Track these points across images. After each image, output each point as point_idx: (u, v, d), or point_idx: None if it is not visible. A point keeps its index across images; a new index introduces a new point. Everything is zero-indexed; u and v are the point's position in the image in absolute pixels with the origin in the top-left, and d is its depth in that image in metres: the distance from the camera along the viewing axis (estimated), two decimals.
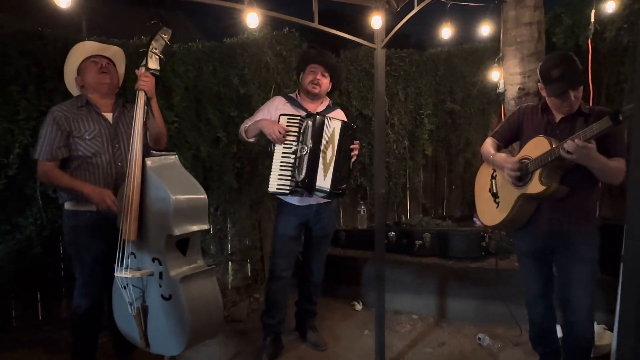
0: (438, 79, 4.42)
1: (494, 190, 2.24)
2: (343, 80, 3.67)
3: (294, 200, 2.58)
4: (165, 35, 2.08)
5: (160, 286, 1.98)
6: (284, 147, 2.43)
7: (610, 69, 3.68)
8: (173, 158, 2.11)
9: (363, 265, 3.54)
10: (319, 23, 2.35)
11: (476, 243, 3.29)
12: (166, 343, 2.01)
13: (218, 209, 3.57)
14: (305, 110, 2.58)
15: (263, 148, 3.49)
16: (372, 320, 2.68)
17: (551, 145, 1.93)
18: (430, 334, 3.04)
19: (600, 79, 3.66)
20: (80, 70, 2.26)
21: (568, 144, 1.81)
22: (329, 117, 2.47)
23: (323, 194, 2.44)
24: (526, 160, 2.04)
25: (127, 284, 2.02)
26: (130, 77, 2.24)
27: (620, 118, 1.70)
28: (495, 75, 3.80)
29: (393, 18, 2.52)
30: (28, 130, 2.72)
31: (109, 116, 2.26)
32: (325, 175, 2.40)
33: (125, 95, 2.65)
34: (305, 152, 2.40)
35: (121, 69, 2.39)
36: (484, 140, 2.36)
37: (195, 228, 1.98)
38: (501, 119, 3.80)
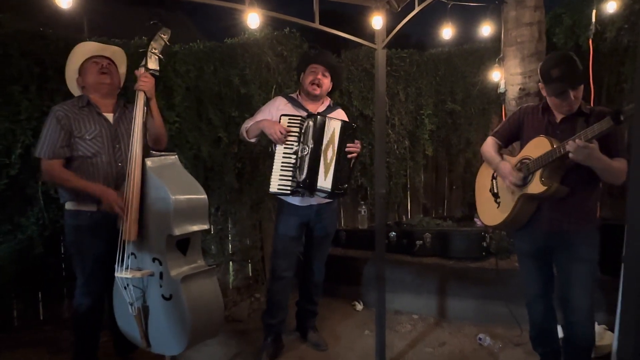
0: (439, 79, 4.42)
1: (495, 190, 2.24)
2: (344, 80, 3.68)
3: (294, 200, 2.58)
4: (164, 35, 2.09)
5: (160, 286, 1.98)
6: (285, 148, 2.43)
7: (610, 69, 3.68)
8: (173, 158, 2.11)
9: (363, 265, 3.54)
10: (320, 23, 2.35)
11: (477, 243, 3.29)
12: (167, 343, 2.02)
13: (219, 209, 3.57)
14: (306, 110, 2.58)
15: (264, 148, 3.49)
16: (373, 320, 2.68)
17: (552, 146, 1.93)
18: (430, 334, 3.04)
19: (601, 79, 3.66)
20: (81, 71, 2.26)
21: (569, 144, 1.81)
22: (330, 117, 2.47)
23: (324, 194, 2.44)
24: (527, 160, 2.04)
25: (128, 284, 2.02)
26: (131, 77, 2.24)
27: (622, 118, 1.70)
28: (495, 75, 3.80)
29: (394, 18, 2.52)
30: (30, 130, 2.72)
31: (109, 116, 2.26)
32: (326, 176, 2.40)
33: (126, 96, 2.65)
34: (306, 153, 2.40)
35: (122, 69, 2.40)
36: (485, 140, 2.36)
37: (195, 228, 1.99)
38: (502, 119, 3.80)
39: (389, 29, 2.49)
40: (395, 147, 4.30)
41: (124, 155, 2.21)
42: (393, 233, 3.58)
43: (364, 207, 4.16)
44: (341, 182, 2.43)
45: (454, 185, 4.86)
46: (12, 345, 2.79)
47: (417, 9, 2.36)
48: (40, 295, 3.07)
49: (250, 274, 3.85)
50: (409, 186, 4.60)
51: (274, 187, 2.41)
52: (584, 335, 2.06)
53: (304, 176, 2.39)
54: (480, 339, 2.87)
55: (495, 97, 4.17)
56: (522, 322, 2.64)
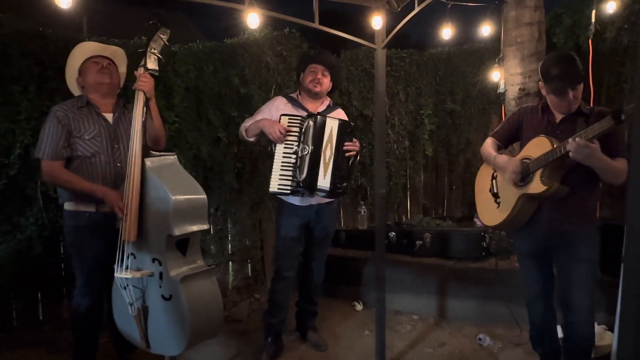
0: (438, 79, 4.42)
1: (495, 191, 2.24)
2: (343, 80, 3.67)
3: (294, 200, 2.58)
4: (163, 35, 2.09)
5: (160, 286, 1.98)
6: (285, 147, 2.43)
7: (610, 69, 3.68)
8: (172, 158, 2.11)
9: (363, 265, 3.54)
10: (320, 23, 2.35)
11: (476, 243, 3.29)
12: (166, 343, 2.02)
13: (218, 209, 3.57)
14: (306, 110, 2.58)
15: (264, 148, 3.49)
16: (373, 320, 2.68)
17: (552, 145, 1.92)
18: (430, 334, 3.04)
19: (601, 79, 3.66)
20: (81, 71, 2.26)
21: (570, 143, 1.81)
22: (329, 117, 2.47)
23: (324, 194, 2.44)
24: (527, 160, 2.04)
25: (127, 285, 2.02)
26: (131, 78, 2.24)
27: (623, 117, 1.70)
28: (495, 75, 3.80)
29: (393, 18, 2.52)
30: (29, 130, 2.72)
31: (109, 116, 2.26)
32: (325, 175, 2.40)
33: (125, 96, 2.65)
34: (306, 152, 2.40)
35: (122, 68, 2.40)
36: (484, 140, 2.36)
37: (195, 228, 1.99)
38: (501, 119, 3.80)
39: (388, 29, 2.49)
40: (395, 147, 4.30)
41: (123, 156, 2.21)
42: (393, 233, 3.58)
43: (363, 207, 4.15)
44: (340, 181, 2.43)
45: (453, 185, 4.86)
46: (12, 345, 2.79)
47: (417, 9, 2.36)
48: (39, 295, 3.07)
49: (250, 274, 3.84)
50: (408, 186, 4.60)
51: (274, 186, 2.41)
52: (583, 336, 2.06)
53: (304, 176, 2.39)
54: (480, 339, 2.87)
55: (495, 97, 4.17)
56: (521, 322, 2.64)
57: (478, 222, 3.58)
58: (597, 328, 2.52)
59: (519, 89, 3.60)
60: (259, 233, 3.83)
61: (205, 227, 2.03)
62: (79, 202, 2.17)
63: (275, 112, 2.56)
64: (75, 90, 2.32)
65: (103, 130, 2.22)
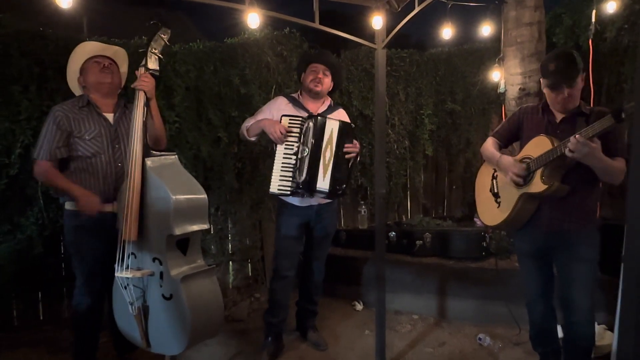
0: (438, 79, 4.42)
1: (495, 190, 2.24)
2: (344, 80, 3.68)
3: (294, 200, 2.58)
4: (164, 35, 2.09)
5: (160, 286, 1.98)
6: (285, 148, 2.43)
7: (610, 69, 3.68)
8: (173, 158, 2.11)
9: (363, 265, 3.54)
10: (320, 23, 2.35)
11: (477, 243, 3.29)
12: (167, 343, 2.02)
13: (219, 208, 3.57)
14: (307, 110, 2.58)
15: (264, 148, 3.49)
16: (373, 320, 2.68)
17: (553, 145, 1.93)
18: (430, 333, 3.04)
19: (601, 79, 3.66)
20: (82, 70, 2.26)
21: (571, 142, 1.81)
22: (329, 118, 2.47)
23: (323, 195, 2.44)
24: (527, 160, 2.04)
25: (128, 284, 2.02)
26: (132, 77, 2.24)
27: (623, 116, 1.70)
28: (495, 75, 3.80)
29: (394, 18, 2.52)
30: (29, 130, 2.72)
31: (110, 116, 2.26)
32: (324, 176, 2.40)
33: (126, 96, 2.65)
34: (306, 154, 2.40)
35: (123, 68, 2.40)
36: (485, 140, 2.36)
37: (195, 228, 1.99)
38: (502, 119, 3.80)
39: (388, 29, 2.49)
40: (395, 147, 4.30)
41: (123, 155, 2.21)
42: (393, 233, 3.58)
43: (363, 207, 4.16)
44: (339, 182, 2.43)
45: (454, 185, 4.86)
46: (12, 344, 2.79)
47: (417, 9, 2.36)
48: (40, 295, 3.07)
49: (250, 274, 3.85)
50: (408, 186, 4.60)
51: (274, 187, 2.41)
52: (584, 335, 2.06)
53: (303, 177, 2.39)
54: (480, 339, 2.87)
55: (495, 97, 4.18)
56: (521, 322, 2.64)
57: (478, 222, 3.58)
58: (597, 328, 2.52)
59: (519, 88, 3.60)
60: (259, 233, 3.83)
61: (205, 226, 2.04)
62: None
63: (276, 112, 2.56)
64: (76, 89, 2.32)
65: (104, 130, 2.22)
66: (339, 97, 3.96)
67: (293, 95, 2.70)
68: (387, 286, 2.62)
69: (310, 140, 2.41)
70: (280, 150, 2.44)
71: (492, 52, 4.08)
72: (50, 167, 2.14)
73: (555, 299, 2.21)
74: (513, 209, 2.09)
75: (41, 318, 3.08)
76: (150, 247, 2.00)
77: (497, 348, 2.78)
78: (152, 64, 2.09)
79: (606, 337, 2.60)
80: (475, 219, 3.76)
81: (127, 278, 2.00)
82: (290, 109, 2.58)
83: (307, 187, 2.40)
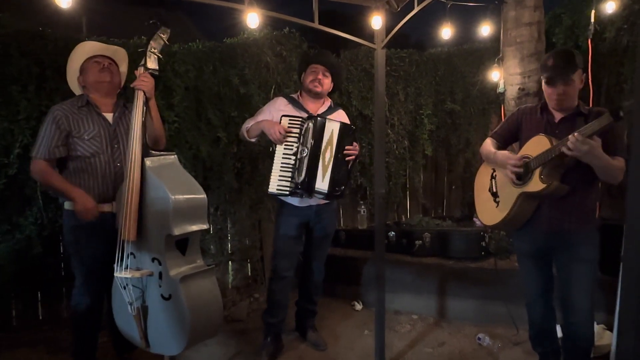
0: (438, 79, 4.42)
1: (494, 190, 2.24)
2: (344, 80, 3.67)
3: (294, 201, 2.58)
4: (163, 34, 2.08)
5: (160, 286, 1.98)
6: (284, 149, 2.43)
7: (610, 70, 3.68)
8: (172, 158, 2.11)
9: (363, 265, 3.54)
10: (319, 23, 2.35)
11: (476, 243, 3.29)
12: (166, 343, 2.02)
13: (218, 208, 3.57)
14: (306, 111, 2.58)
15: (263, 148, 3.49)
16: (372, 320, 2.68)
17: (551, 144, 1.93)
18: (430, 333, 3.04)
19: (600, 79, 3.66)
20: (82, 70, 2.26)
21: (569, 140, 1.82)
22: (329, 119, 2.47)
23: (322, 196, 2.44)
24: (526, 159, 2.05)
25: (127, 284, 2.02)
26: (131, 77, 2.24)
27: (621, 114, 1.71)
28: (495, 75, 3.80)
29: (393, 18, 2.52)
30: (28, 130, 2.72)
31: (109, 116, 2.26)
32: (323, 177, 2.40)
33: (126, 95, 2.65)
34: (305, 154, 2.40)
35: (123, 67, 2.39)
36: (484, 140, 2.36)
37: (194, 228, 1.99)
38: (501, 119, 3.80)
39: (388, 28, 2.49)
40: (395, 147, 4.30)
41: (122, 155, 2.21)
42: (392, 233, 3.58)
43: (363, 207, 4.16)
44: (338, 184, 2.43)
45: (453, 185, 4.86)
46: (12, 344, 2.79)
47: (416, 9, 2.36)
48: (39, 295, 3.07)
49: (250, 274, 3.85)
50: (408, 186, 4.60)
51: (272, 187, 2.42)
52: (583, 336, 2.06)
53: (302, 177, 2.39)
54: (479, 338, 2.87)
55: (494, 97, 4.17)
56: (520, 322, 2.64)
57: (477, 222, 3.58)
58: (597, 327, 2.52)
59: (519, 88, 3.60)
60: (258, 233, 3.83)
61: (204, 226, 2.03)
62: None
63: (276, 113, 2.56)
64: (76, 89, 2.32)
65: (103, 130, 2.21)
66: (339, 97, 3.96)
67: (293, 95, 2.70)
68: (386, 286, 2.62)
69: (310, 140, 2.41)
70: (279, 150, 2.44)
71: (492, 52, 4.08)
72: (47, 167, 2.13)
73: (554, 299, 2.21)
74: (512, 208, 2.09)
75: (40, 318, 3.08)
76: (150, 247, 2.00)
77: (496, 348, 2.78)
78: (152, 63, 2.09)
79: (605, 337, 2.60)
80: (474, 219, 3.76)
81: (126, 278, 2.00)
82: (290, 110, 2.58)
83: (306, 187, 2.40)
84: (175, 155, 2.13)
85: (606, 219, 2.74)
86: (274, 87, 3.61)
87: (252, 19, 2.24)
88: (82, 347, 2.33)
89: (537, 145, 2.00)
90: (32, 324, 3.02)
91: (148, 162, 1.99)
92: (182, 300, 1.90)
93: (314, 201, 2.58)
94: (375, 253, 2.60)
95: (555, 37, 3.86)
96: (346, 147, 2.45)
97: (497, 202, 2.21)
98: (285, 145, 2.44)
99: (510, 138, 2.28)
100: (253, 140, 2.63)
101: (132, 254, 2.05)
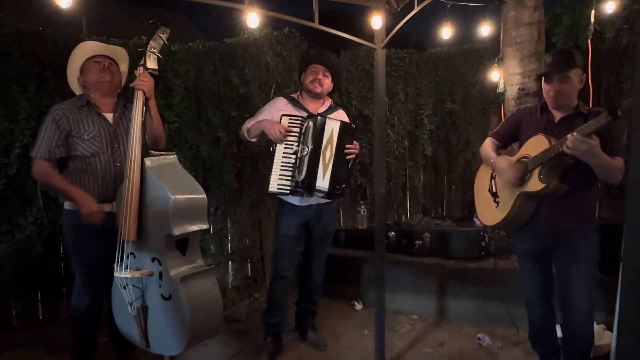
0: (438, 79, 4.42)
1: (494, 190, 2.25)
2: (344, 80, 3.67)
3: (294, 200, 2.58)
4: (163, 34, 2.08)
5: (160, 286, 1.98)
6: (285, 148, 2.44)
7: (609, 70, 3.68)
8: (172, 158, 2.11)
9: (363, 265, 3.54)
10: (319, 23, 2.35)
11: (476, 243, 3.29)
12: (166, 343, 2.02)
13: (218, 208, 3.57)
14: (306, 111, 2.58)
15: (263, 148, 3.49)
16: (372, 320, 2.68)
17: (550, 143, 1.93)
18: (430, 334, 3.04)
19: (600, 79, 3.66)
20: (82, 70, 2.26)
21: (568, 139, 1.82)
22: (329, 118, 2.47)
23: (322, 194, 2.44)
24: (525, 159, 2.05)
25: (127, 284, 2.02)
26: (131, 78, 2.24)
27: (619, 113, 1.71)
28: (495, 75, 3.81)
29: (393, 18, 2.52)
30: (28, 130, 2.72)
31: (109, 116, 2.26)
32: (324, 176, 2.41)
33: (126, 95, 2.65)
34: (305, 153, 2.41)
35: (123, 67, 2.39)
36: (484, 140, 2.36)
37: (194, 228, 1.99)
38: (501, 119, 3.80)
39: (388, 28, 2.49)
40: (395, 147, 4.31)
41: (122, 155, 2.21)
42: (392, 233, 3.58)
43: (363, 207, 4.16)
44: (339, 182, 2.43)
45: (453, 185, 4.86)
46: (12, 344, 2.79)
47: (416, 9, 2.36)
48: (39, 295, 3.07)
49: (250, 274, 3.85)
50: (408, 186, 4.61)
51: (273, 186, 2.42)
52: (583, 335, 2.06)
53: (302, 176, 2.39)
54: (479, 338, 2.87)
55: (494, 97, 4.18)
56: (521, 322, 2.64)
57: (477, 222, 3.58)
58: (596, 327, 2.52)
59: (519, 88, 3.60)
60: (258, 233, 3.83)
61: (204, 226, 2.03)
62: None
63: (276, 112, 2.56)
64: (76, 89, 2.32)
65: (103, 130, 2.21)
66: (339, 97, 3.96)
67: (293, 95, 2.70)
68: (386, 286, 2.62)
69: (310, 139, 2.41)
70: (280, 149, 2.45)
71: (492, 52, 4.09)
72: (48, 167, 2.14)
73: (554, 299, 2.21)
74: (511, 208, 2.09)
75: (40, 318, 3.08)
76: (150, 247, 2.00)
77: (496, 348, 2.78)
78: (151, 63, 2.09)
79: (605, 337, 2.60)
80: (474, 219, 3.76)
81: (126, 278, 2.00)
82: (290, 110, 2.58)
83: (307, 186, 2.40)
84: (175, 155, 2.13)
85: (606, 219, 2.75)
86: (274, 87, 3.61)
87: (252, 19, 2.24)
88: (82, 347, 2.33)
89: (536, 145, 2.01)
90: (32, 324, 3.02)
91: (148, 162, 1.99)
92: (182, 300, 1.90)
93: (314, 200, 2.58)
94: (375, 253, 2.60)
95: (555, 37, 3.86)
96: (346, 146, 2.45)
97: (497, 203, 2.21)
98: (285, 144, 2.44)
99: (510, 138, 2.28)
100: (253, 140, 2.63)
101: (132, 254, 2.05)
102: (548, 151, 1.93)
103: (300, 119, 2.45)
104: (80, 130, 2.16)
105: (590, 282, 2.02)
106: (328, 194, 2.43)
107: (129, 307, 2.04)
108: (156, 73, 2.11)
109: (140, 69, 2.08)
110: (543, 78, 2.04)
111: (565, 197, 1.99)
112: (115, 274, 2.03)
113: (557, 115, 2.06)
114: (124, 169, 2.04)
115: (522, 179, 2.05)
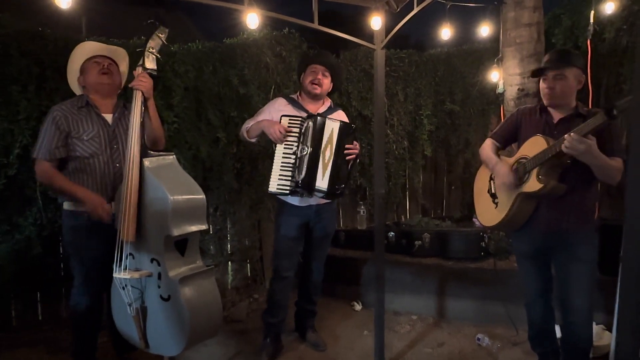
0: (437, 80, 4.43)
1: (493, 191, 2.25)
2: (343, 80, 3.67)
3: (294, 200, 2.58)
4: (162, 34, 2.08)
5: (159, 287, 1.98)
6: (284, 148, 2.44)
7: (609, 70, 3.69)
8: (171, 158, 2.10)
9: (363, 265, 3.54)
10: (319, 24, 2.35)
11: (475, 243, 3.29)
12: (165, 343, 2.02)
13: (218, 209, 3.57)
14: (306, 111, 2.58)
15: (263, 148, 3.49)
16: (372, 320, 2.68)
17: (548, 144, 1.94)
18: (429, 334, 3.04)
19: (599, 80, 3.66)
20: (82, 70, 2.26)
21: (566, 139, 1.83)
22: (329, 118, 2.47)
23: (322, 195, 2.44)
24: (524, 160, 2.05)
25: (126, 285, 2.02)
26: (131, 78, 2.24)
27: (615, 112, 1.72)
28: (494, 76, 3.81)
29: (393, 19, 2.53)
30: (28, 130, 2.72)
31: (108, 117, 2.26)
32: (323, 176, 2.41)
33: (125, 96, 2.65)
34: (305, 153, 2.41)
35: (123, 67, 2.39)
36: (484, 140, 2.37)
37: (193, 228, 1.98)
38: (501, 119, 3.80)
39: (388, 29, 2.49)
40: (394, 147, 4.31)
41: (121, 156, 2.21)
42: (392, 233, 3.58)
43: (363, 207, 4.16)
44: (338, 182, 2.43)
45: (452, 185, 4.87)
46: (11, 345, 2.79)
47: (416, 10, 2.36)
48: (39, 295, 3.07)
49: (249, 274, 3.85)
50: (407, 186, 4.61)
51: (273, 187, 2.42)
52: (582, 336, 2.06)
53: (302, 176, 2.39)
54: (479, 339, 2.87)
55: (494, 98, 4.18)
56: (520, 322, 2.64)
57: (477, 223, 3.57)
58: (596, 328, 2.53)
59: (518, 89, 3.61)
60: (258, 233, 3.83)
61: (204, 227, 2.03)
62: (78, 202, 2.17)
63: (276, 113, 2.56)
64: (76, 89, 2.32)
65: (102, 131, 2.21)
66: (338, 97, 3.96)
67: (292, 96, 2.70)
68: (386, 286, 2.62)
69: (310, 139, 2.41)
70: (279, 149, 2.45)
71: (491, 52, 4.09)
72: (50, 168, 2.14)
73: (554, 299, 2.21)
74: (510, 209, 2.09)
75: (40, 318, 3.08)
76: (149, 248, 2.00)
77: (496, 348, 2.78)
78: (150, 63, 2.08)
79: (605, 337, 2.60)
80: (474, 220, 3.76)
81: (125, 279, 2.00)
82: (290, 110, 2.58)
83: (306, 186, 2.40)
84: (174, 156, 2.13)
85: (605, 219, 2.75)
86: (273, 87, 3.62)
87: (252, 19, 2.24)
88: (81, 347, 2.33)
89: (534, 145, 2.01)
90: (32, 324, 3.02)
91: (147, 162, 1.99)
92: (181, 301, 1.90)
93: (314, 201, 2.58)
94: (375, 253, 2.60)
95: (554, 37, 3.86)
96: (346, 146, 2.45)
97: (496, 203, 2.21)
98: (285, 144, 2.44)
99: (509, 138, 2.29)
100: (253, 140, 2.63)
101: (131, 254, 2.05)
102: (546, 151, 1.93)
103: (300, 119, 2.45)
104: (79, 131, 2.16)
105: (589, 282, 2.02)
106: (328, 194, 2.43)
107: (128, 307, 2.04)
108: (155, 73, 2.11)
109: (139, 69, 2.08)
110: (540, 75, 2.05)
111: (564, 198, 1.99)
112: (114, 275, 2.03)
113: (556, 116, 2.06)
114: (123, 170, 2.04)
115: (521, 180, 2.05)
